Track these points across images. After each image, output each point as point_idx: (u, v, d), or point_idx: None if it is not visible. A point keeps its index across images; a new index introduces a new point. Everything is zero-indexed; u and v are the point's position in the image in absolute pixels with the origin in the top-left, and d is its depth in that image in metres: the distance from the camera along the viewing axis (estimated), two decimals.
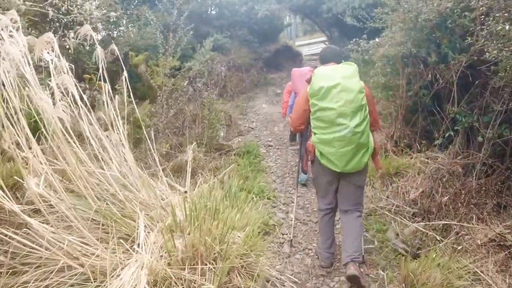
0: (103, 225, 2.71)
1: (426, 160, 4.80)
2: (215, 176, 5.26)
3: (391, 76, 5.38)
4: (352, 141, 2.63)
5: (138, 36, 10.46)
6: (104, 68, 3.33)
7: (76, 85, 2.99)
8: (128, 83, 3.84)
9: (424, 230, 3.77)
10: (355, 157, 2.73)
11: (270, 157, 6.64)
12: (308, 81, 2.85)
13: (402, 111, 5.29)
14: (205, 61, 11.36)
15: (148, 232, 2.88)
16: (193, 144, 4.99)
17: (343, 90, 2.59)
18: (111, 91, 3.61)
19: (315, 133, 2.83)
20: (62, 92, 2.89)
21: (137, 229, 2.73)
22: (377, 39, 5.62)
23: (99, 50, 3.50)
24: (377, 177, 4.82)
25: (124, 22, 10.56)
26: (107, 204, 2.87)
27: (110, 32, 10.28)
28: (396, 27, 5.03)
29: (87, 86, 7.04)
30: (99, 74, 3.34)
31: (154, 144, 5.05)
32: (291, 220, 4.08)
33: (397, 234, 3.87)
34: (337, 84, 2.59)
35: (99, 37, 10.54)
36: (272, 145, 7.33)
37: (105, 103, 3.47)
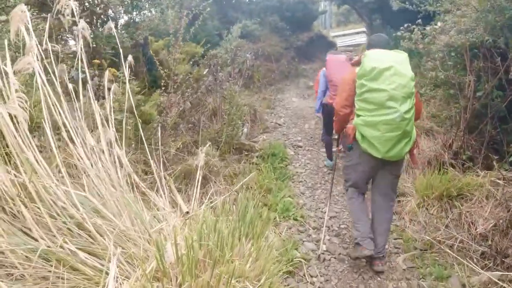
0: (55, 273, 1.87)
1: (498, 181, 3.72)
2: (232, 184, 4.39)
3: (455, 71, 4.27)
4: (400, 127, 2.52)
5: (160, 20, 9.67)
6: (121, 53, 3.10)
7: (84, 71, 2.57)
8: (146, 71, 3.26)
9: (500, 283, 2.75)
10: (399, 144, 2.60)
11: (299, 160, 5.68)
12: (357, 63, 2.76)
13: (467, 115, 4.19)
14: (232, 48, 10.52)
15: (123, 281, 2.02)
16: (207, 146, 4.10)
17: (396, 73, 2.50)
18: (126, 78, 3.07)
19: (358, 115, 2.69)
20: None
21: (105, 279, 1.88)
22: (438, 24, 4.50)
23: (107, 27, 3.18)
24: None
25: (147, 6, 9.80)
26: (66, 239, 2.03)
27: (131, 16, 9.55)
28: (467, 9, 3.91)
29: (96, 72, 6.16)
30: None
31: (160, 144, 4.27)
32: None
33: (464, 286, 2.86)
34: (391, 66, 2.50)
35: (122, 21, 9.92)
36: (301, 145, 6.36)
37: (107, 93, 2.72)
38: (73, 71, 4.12)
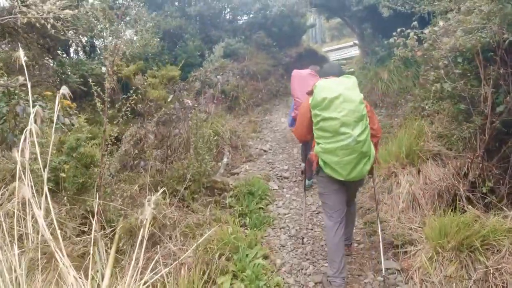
0: None
1: None
2: (193, 238, 3.44)
3: (465, 81, 3.35)
4: (355, 150, 2.62)
5: (135, 43, 8.91)
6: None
7: None
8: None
9: None
10: (358, 166, 2.69)
11: (283, 197, 4.72)
12: (310, 93, 2.81)
13: (485, 136, 3.25)
14: (215, 69, 9.71)
15: None
16: (157, 194, 3.16)
17: (345, 100, 2.59)
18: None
19: (318, 143, 2.78)
20: None
21: None
22: (440, 24, 3.60)
23: None
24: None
25: (123, 28, 9.04)
26: None
27: (104, 40, 8.80)
28: (476, 0, 3.02)
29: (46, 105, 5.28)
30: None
31: (99, 193, 3.35)
32: None
33: None
34: (339, 95, 2.60)
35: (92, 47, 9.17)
36: (288, 176, 5.41)
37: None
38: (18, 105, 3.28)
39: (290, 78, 4.84)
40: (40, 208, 2.06)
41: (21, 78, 3.31)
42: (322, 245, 3.53)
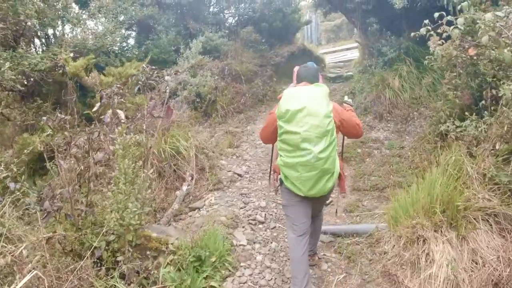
0: None
1: None
2: None
3: None
4: (316, 167, 2.47)
5: (91, 34, 7.29)
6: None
7: None
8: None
9: None
10: (319, 183, 2.54)
11: (253, 260, 3.16)
12: (280, 99, 2.61)
13: None
14: (191, 67, 8.12)
15: None
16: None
17: (309, 114, 2.44)
18: None
19: (280, 155, 2.63)
20: None
21: None
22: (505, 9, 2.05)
23: None
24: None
25: (82, 17, 7.42)
26: None
27: (56, 30, 7.16)
28: None
29: None
30: None
31: None
32: None
33: None
34: (303, 108, 2.44)
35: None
36: (263, 220, 3.86)
37: None
38: None
39: (286, 77, 4.20)
40: None
41: None
42: None
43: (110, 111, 3.14)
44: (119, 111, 3.32)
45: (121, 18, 8.15)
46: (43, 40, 7.17)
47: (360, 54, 10.24)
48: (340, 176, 2.77)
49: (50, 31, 7.26)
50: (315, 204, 2.82)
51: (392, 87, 6.30)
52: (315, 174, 2.49)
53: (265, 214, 3.94)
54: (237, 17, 10.15)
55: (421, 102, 6.24)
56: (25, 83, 6.51)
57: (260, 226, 3.73)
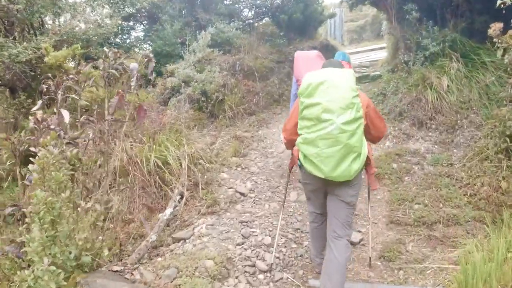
0: None
1: None
2: None
3: None
4: (339, 140, 2.16)
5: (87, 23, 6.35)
6: None
7: None
8: None
9: None
10: (344, 162, 2.20)
11: None
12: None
13: None
14: (198, 61, 7.10)
15: None
16: None
17: (332, 86, 2.23)
18: None
19: (300, 135, 2.34)
20: None
21: None
22: None
23: None
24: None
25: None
26: None
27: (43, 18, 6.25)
28: None
29: None
30: None
31: None
32: None
33: None
34: (325, 80, 2.24)
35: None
36: (266, 268, 2.77)
37: None
38: None
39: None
40: None
41: None
42: None
43: (40, 112, 2.10)
44: (63, 111, 2.30)
45: (123, 7, 7.21)
46: (32, 30, 6.27)
47: (390, 51, 8.99)
48: (368, 163, 2.44)
49: (43, 19, 6.38)
50: (336, 200, 2.42)
51: (436, 88, 5.08)
52: (338, 150, 2.17)
53: (270, 257, 2.84)
54: (254, 8, 9.06)
55: (471, 107, 5.01)
56: (6, 76, 5.66)
57: (261, 276, 2.64)
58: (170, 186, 3.90)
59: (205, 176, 4.16)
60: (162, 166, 3.97)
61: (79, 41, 5.93)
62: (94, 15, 6.52)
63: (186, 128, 5.75)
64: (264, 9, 8.93)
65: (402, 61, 6.07)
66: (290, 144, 2.59)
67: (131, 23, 8.20)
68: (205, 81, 6.43)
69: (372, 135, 2.48)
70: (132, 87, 3.18)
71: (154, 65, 4.02)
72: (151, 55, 3.51)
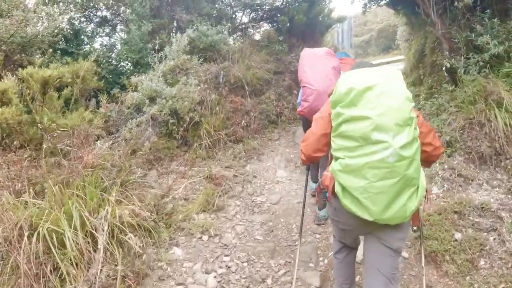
0: None
1: None
2: None
3: None
4: (396, 171, 1.48)
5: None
6: None
7: None
8: None
9: None
10: (398, 199, 1.52)
11: None
12: (332, 92, 1.70)
13: None
14: (170, 71, 5.39)
15: None
16: None
17: (384, 93, 1.51)
18: None
19: (336, 158, 1.63)
20: None
21: None
22: None
23: None
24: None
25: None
26: None
27: None
28: None
29: None
30: None
31: None
32: None
33: None
34: (374, 85, 1.52)
35: None
36: None
37: None
38: None
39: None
40: None
41: None
42: None
43: None
44: None
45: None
46: None
47: (411, 61, 7.30)
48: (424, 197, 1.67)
49: None
50: (381, 246, 1.69)
51: (508, 107, 3.31)
52: (393, 184, 1.48)
53: None
54: (247, 9, 7.40)
55: None
56: None
57: None
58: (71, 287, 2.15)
59: (140, 260, 2.40)
60: (60, 246, 2.24)
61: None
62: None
63: (143, 165, 4.03)
64: (260, 12, 7.29)
65: (443, 68, 4.33)
66: (311, 161, 1.93)
67: (107, 29, 6.57)
68: (176, 97, 4.73)
69: (427, 154, 1.70)
70: None
71: None
72: None
